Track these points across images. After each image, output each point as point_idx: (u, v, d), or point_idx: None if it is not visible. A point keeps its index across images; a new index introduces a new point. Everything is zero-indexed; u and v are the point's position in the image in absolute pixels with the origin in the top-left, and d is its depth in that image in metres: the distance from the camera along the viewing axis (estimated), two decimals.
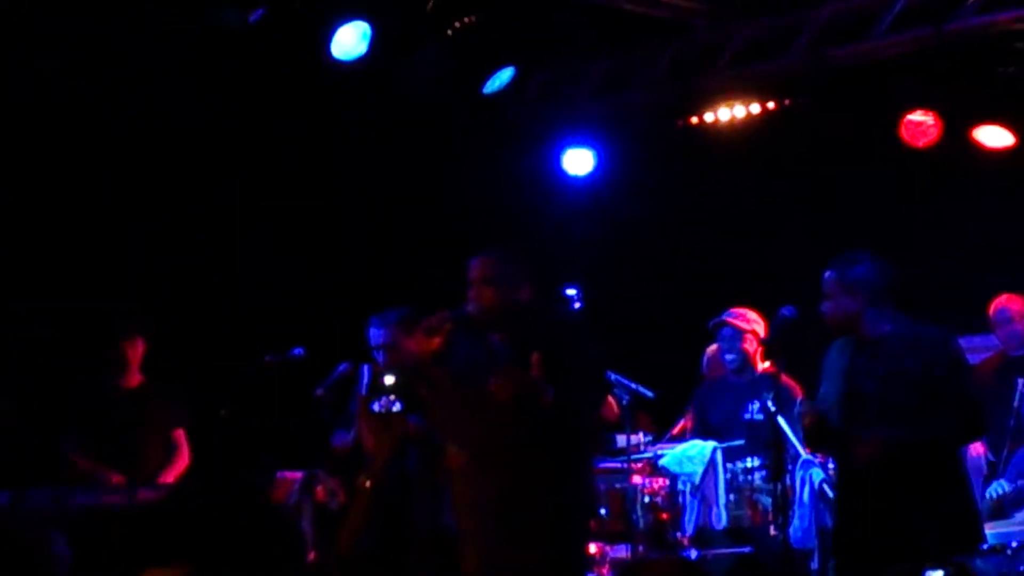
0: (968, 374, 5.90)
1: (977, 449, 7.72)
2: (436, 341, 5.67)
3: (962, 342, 8.22)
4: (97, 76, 8.47)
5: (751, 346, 7.68)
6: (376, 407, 6.72)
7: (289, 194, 9.28)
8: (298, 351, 7.36)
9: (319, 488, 7.15)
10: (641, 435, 7.73)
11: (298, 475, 7.29)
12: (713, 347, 8.08)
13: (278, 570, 2.83)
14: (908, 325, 5.81)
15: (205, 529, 2.79)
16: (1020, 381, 7.77)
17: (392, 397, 6.58)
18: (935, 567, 5.59)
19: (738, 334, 7.68)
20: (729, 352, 7.74)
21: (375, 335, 7.07)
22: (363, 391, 7.09)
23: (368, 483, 5.47)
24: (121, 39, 8.36)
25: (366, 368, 7.14)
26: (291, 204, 9.29)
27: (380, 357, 7.03)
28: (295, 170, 9.32)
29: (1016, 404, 7.72)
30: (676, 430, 8.02)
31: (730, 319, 7.71)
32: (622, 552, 7.51)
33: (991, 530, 7.05)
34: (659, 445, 7.70)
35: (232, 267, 9.17)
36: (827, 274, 5.86)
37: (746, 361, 7.70)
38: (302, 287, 9.12)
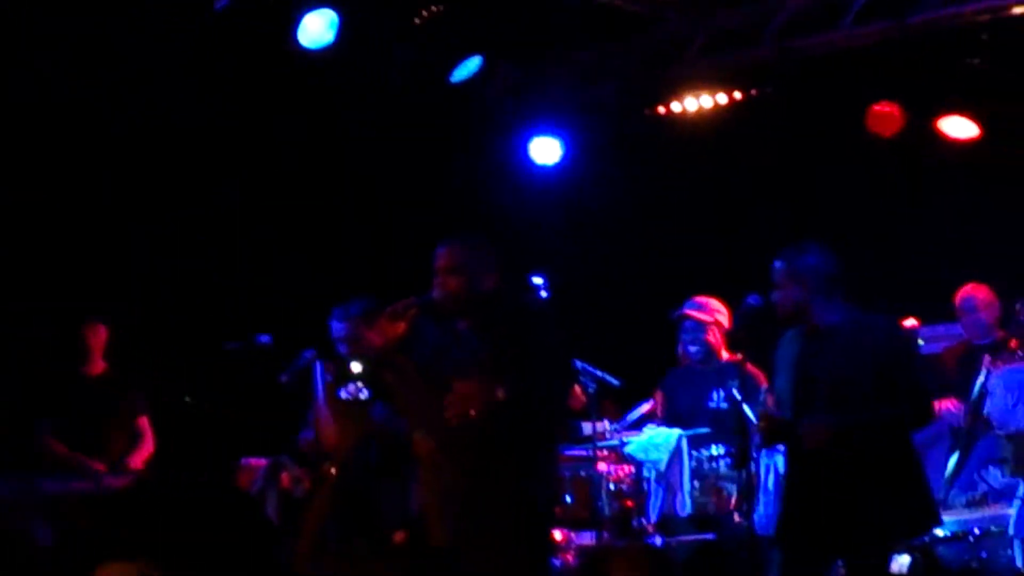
0: (917, 362, 5.94)
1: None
2: (401, 326, 5.68)
3: (927, 331, 8.36)
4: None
5: (714, 336, 7.70)
6: (343, 394, 6.72)
7: (253, 181, 9.25)
8: (264, 338, 7.35)
9: (284, 475, 7.14)
10: (607, 423, 7.74)
11: (263, 462, 7.29)
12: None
13: (245, 562, 2.82)
14: (857, 314, 5.87)
15: (166, 522, 2.77)
16: (982, 370, 7.81)
17: (359, 385, 6.59)
18: (901, 552, 5.65)
19: (700, 326, 7.71)
20: (692, 344, 7.76)
21: (337, 328, 7.08)
22: (319, 387, 7.07)
23: (333, 470, 5.47)
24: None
25: (319, 365, 7.12)
26: (255, 192, 9.26)
27: (343, 349, 7.04)
28: (261, 160, 9.29)
29: (976, 394, 7.78)
30: (642, 410, 8.02)
31: (691, 311, 7.73)
32: (587, 539, 7.52)
33: (954, 517, 7.11)
34: (624, 432, 7.71)
35: (198, 254, 9.14)
36: (776, 264, 5.91)
37: (710, 352, 7.72)
38: (267, 274, 9.10)
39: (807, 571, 5.77)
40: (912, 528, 5.86)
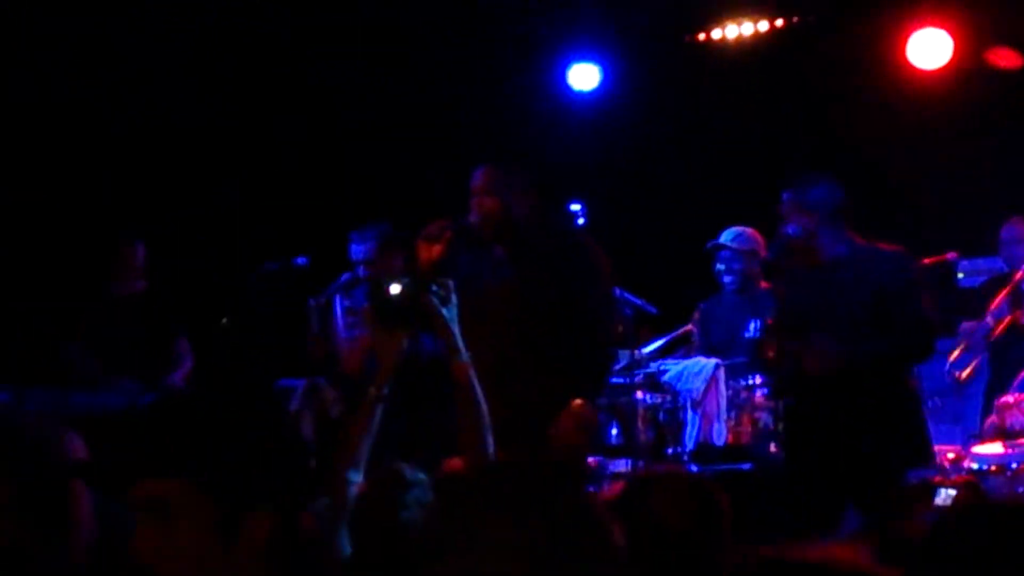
0: (923, 294, 5.91)
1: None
2: (437, 249, 5.64)
3: (966, 264, 8.29)
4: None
5: (749, 266, 7.65)
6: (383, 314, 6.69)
7: (292, 108, 9.22)
8: (301, 260, 7.33)
9: (320, 396, 7.14)
10: (642, 351, 7.72)
11: (299, 383, 7.29)
12: None
13: (280, 480, 2.81)
14: (865, 246, 5.88)
15: (204, 438, 2.76)
16: None
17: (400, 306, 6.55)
18: (948, 486, 5.67)
19: (736, 255, 7.65)
20: (727, 274, 7.71)
21: (356, 251, 7.07)
22: (337, 312, 7.06)
23: (374, 391, 5.45)
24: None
25: (338, 299, 7.11)
26: (293, 117, 9.23)
27: (362, 272, 7.04)
28: (298, 89, 9.25)
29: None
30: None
31: (726, 241, 7.67)
32: (622, 466, 7.51)
33: (991, 453, 7.08)
34: (661, 360, 7.69)
35: (232, 175, 9.14)
36: (784, 196, 5.98)
37: (746, 281, 7.66)
38: (306, 197, 9.09)
39: (820, 506, 5.83)
40: (901, 465, 5.85)
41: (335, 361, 7.19)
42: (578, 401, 5.72)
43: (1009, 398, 7.28)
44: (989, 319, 7.91)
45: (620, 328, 7.54)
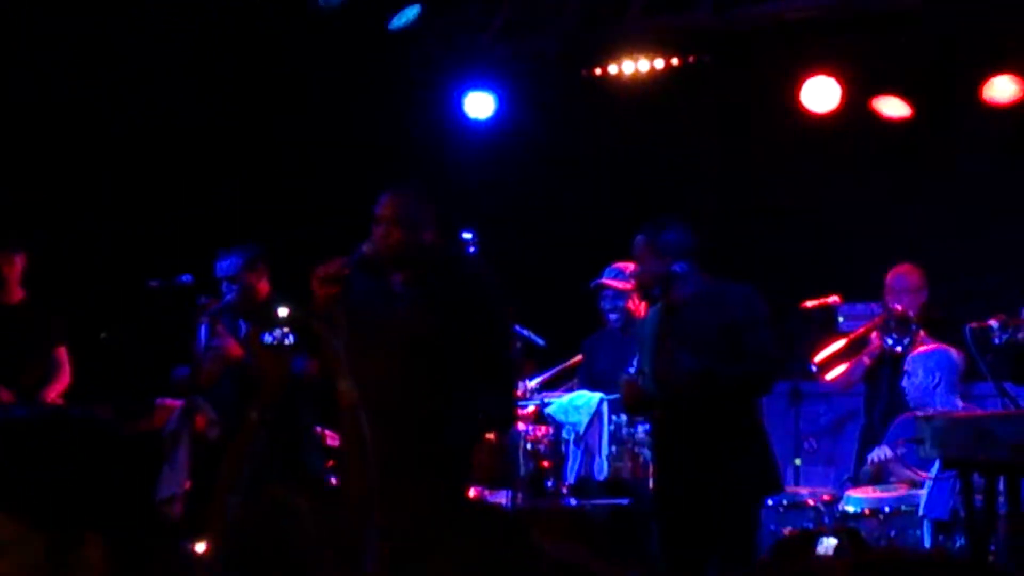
0: (769, 328, 6.09)
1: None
2: (335, 289, 5.59)
3: (846, 308, 8.40)
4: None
5: (634, 303, 7.69)
6: (268, 339, 6.61)
7: (186, 119, 9.12)
8: (186, 278, 7.23)
9: (199, 417, 7.05)
10: (527, 383, 7.71)
11: (178, 403, 7.18)
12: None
13: (113, 509, 2.73)
14: (714, 284, 6.05)
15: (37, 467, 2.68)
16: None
17: (285, 330, 6.48)
18: (828, 535, 5.81)
19: (620, 293, 7.69)
20: (612, 312, 7.75)
21: (220, 267, 7.05)
22: (202, 330, 6.99)
23: (255, 415, 5.40)
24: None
25: (203, 327, 7.04)
26: (190, 131, 9.13)
27: (227, 288, 6.99)
28: (197, 101, 9.16)
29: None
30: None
31: (609, 280, 7.70)
32: (501, 498, 7.49)
33: (865, 495, 7.18)
34: (545, 393, 7.69)
35: (123, 190, 9.02)
36: (637, 238, 6.19)
37: (630, 319, 7.70)
38: (194, 214, 8.98)
39: (683, 535, 6.03)
40: (754, 491, 6.11)
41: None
42: (491, 436, 5.79)
43: (878, 455, 7.40)
44: (866, 359, 8.04)
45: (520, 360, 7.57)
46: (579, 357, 7.96)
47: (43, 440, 2.73)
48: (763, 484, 6.16)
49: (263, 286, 7.10)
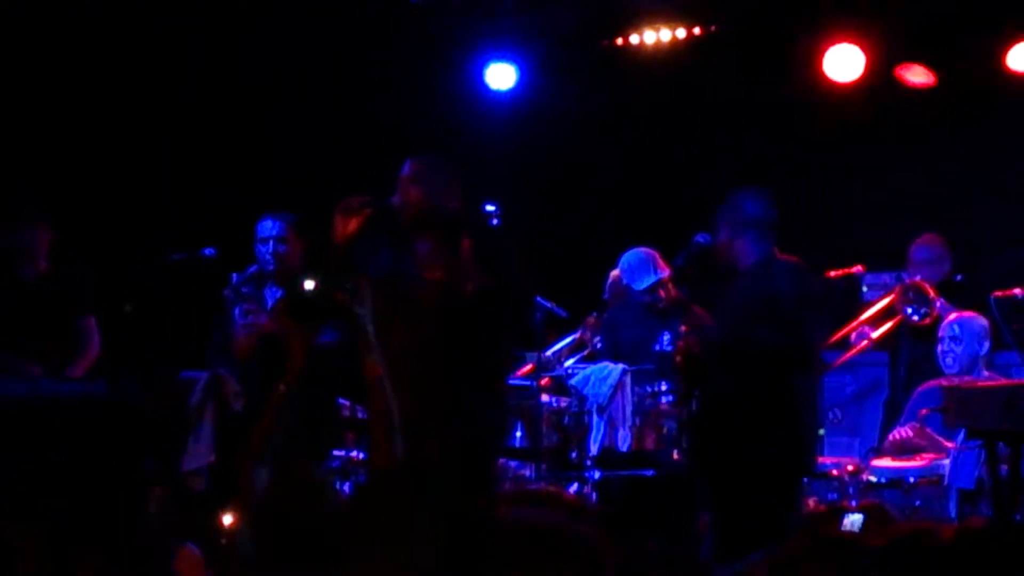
0: (816, 307, 6.07)
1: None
2: (353, 223, 5.60)
3: (871, 278, 8.38)
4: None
5: (665, 291, 7.62)
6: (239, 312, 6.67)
7: (211, 103, 9.13)
8: (209, 251, 7.23)
9: (223, 389, 7.04)
10: (552, 351, 7.73)
11: (202, 375, 7.19)
12: (616, 271, 8.06)
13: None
14: (772, 257, 6.00)
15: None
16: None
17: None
18: (854, 512, 5.81)
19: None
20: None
21: (271, 226, 7.00)
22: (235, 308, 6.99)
23: (283, 387, 5.42)
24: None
25: (238, 309, 7.04)
26: (211, 111, 9.13)
27: (270, 249, 6.96)
28: (217, 79, 9.15)
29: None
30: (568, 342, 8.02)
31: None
32: (526, 470, 7.51)
33: (890, 466, 7.18)
34: (569, 362, 7.70)
35: (147, 162, 9.03)
36: (719, 207, 6.21)
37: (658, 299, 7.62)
38: (222, 188, 9.00)
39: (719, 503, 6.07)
40: (781, 471, 6.04)
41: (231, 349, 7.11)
42: None
43: (899, 433, 7.39)
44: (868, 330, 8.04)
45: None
46: (579, 334, 7.93)
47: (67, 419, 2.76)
48: (792, 467, 6.11)
49: (298, 254, 7.09)
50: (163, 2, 8.66)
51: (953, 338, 7.41)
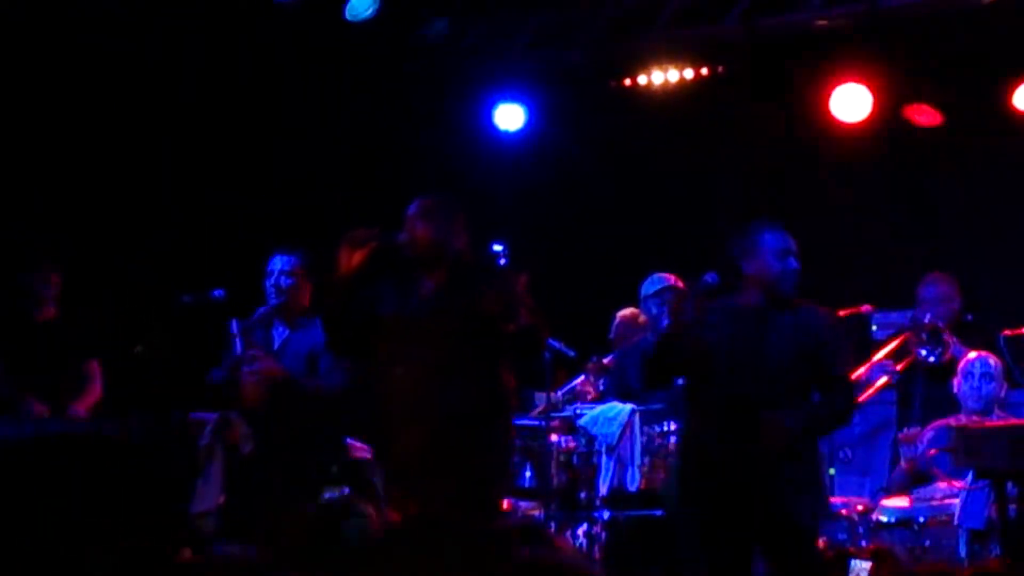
0: (850, 357, 5.90)
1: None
2: (358, 255, 5.62)
3: (880, 317, 8.38)
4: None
5: None
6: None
7: (218, 135, 9.16)
8: (219, 293, 7.25)
9: (232, 431, 7.05)
10: (559, 394, 7.72)
11: (211, 417, 7.20)
12: (625, 312, 8.07)
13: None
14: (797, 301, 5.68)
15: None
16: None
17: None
18: (862, 557, 5.66)
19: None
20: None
21: (280, 262, 6.99)
22: (237, 343, 6.98)
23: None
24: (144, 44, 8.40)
25: (235, 322, 7.04)
26: (221, 144, 9.17)
27: (273, 282, 6.96)
28: (227, 113, 9.19)
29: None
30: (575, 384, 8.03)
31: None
32: (534, 510, 7.50)
33: (899, 506, 7.16)
34: (577, 405, 7.70)
35: (158, 204, 9.06)
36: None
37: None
38: (225, 230, 9.02)
39: (729, 556, 5.58)
40: (812, 520, 5.65)
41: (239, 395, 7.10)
42: None
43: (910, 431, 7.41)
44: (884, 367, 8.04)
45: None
46: (583, 380, 7.94)
47: (68, 458, 2.79)
48: (815, 512, 5.69)
49: (307, 293, 7.08)
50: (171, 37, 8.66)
51: (984, 375, 7.39)
